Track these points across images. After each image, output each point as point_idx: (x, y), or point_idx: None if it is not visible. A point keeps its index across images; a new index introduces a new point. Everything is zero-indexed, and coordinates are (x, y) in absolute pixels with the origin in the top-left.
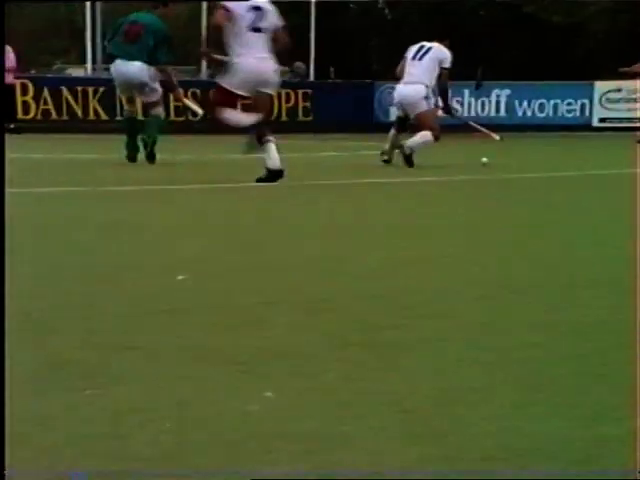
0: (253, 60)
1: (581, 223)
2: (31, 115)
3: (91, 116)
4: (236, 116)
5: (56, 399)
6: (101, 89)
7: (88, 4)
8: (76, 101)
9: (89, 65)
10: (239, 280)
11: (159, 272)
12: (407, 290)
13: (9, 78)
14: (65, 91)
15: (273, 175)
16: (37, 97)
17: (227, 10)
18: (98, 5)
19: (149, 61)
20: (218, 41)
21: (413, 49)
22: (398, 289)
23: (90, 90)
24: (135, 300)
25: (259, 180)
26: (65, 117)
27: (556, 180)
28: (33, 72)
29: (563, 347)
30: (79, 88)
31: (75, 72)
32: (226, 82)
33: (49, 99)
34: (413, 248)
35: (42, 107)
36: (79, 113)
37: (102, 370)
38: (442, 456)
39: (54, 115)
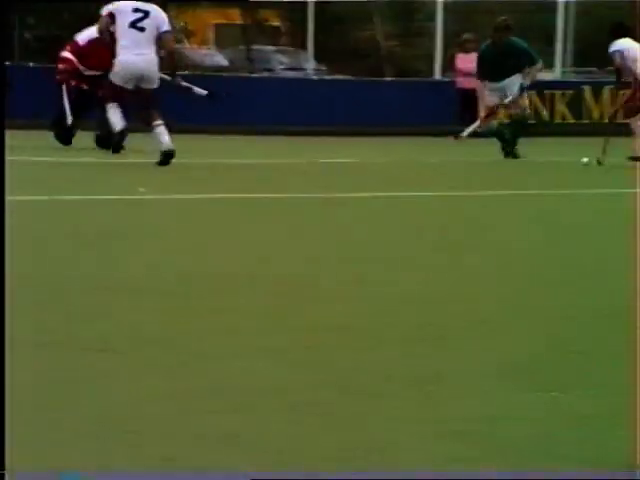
0: (132, 56)
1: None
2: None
3: (558, 119)
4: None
5: (507, 399)
6: (569, 92)
7: (561, 7)
8: (544, 105)
9: (558, 69)
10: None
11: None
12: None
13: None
14: (533, 95)
15: (166, 157)
16: None
17: (111, 14)
18: (572, 8)
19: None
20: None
21: None
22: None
23: (558, 94)
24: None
25: (159, 163)
26: (533, 121)
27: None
28: None
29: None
30: (547, 92)
31: (545, 76)
32: (112, 77)
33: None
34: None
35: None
36: (547, 116)
37: (563, 373)
38: None
39: None
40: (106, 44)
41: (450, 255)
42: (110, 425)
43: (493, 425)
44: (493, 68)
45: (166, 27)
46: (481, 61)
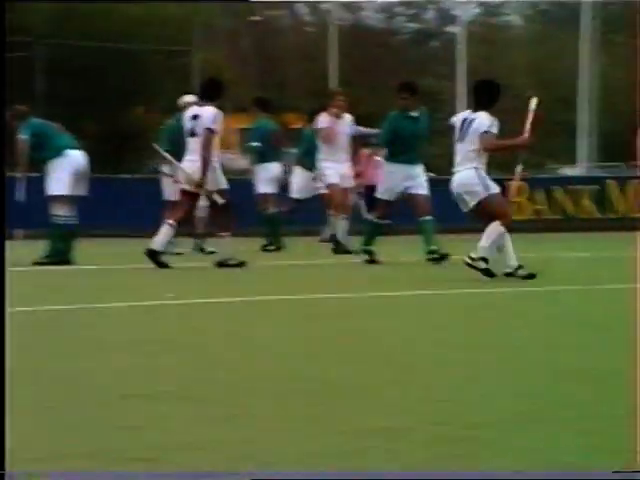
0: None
1: None
2: (525, 216)
3: (584, 214)
4: None
5: None
6: (594, 187)
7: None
8: (569, 199)
9: (583, 164)
10: None
11: None
12: None
13: None
14: (559, 190)
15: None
16: (531, 198)
17: None
18: (595, 104)
19: None
20: None
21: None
22: None
23: (583, 188)
24: None
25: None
26: (559, 216)
27: None
28: (526, 174)
29: None
30: (572, 187)
31: (568, 171)
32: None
33: (543, 199)
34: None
35: (535, 207)
36: (572, 211)
37: None
38: None
39: (547, 214)
40: None
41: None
42: None
43: None
44: None
45: None
46: None
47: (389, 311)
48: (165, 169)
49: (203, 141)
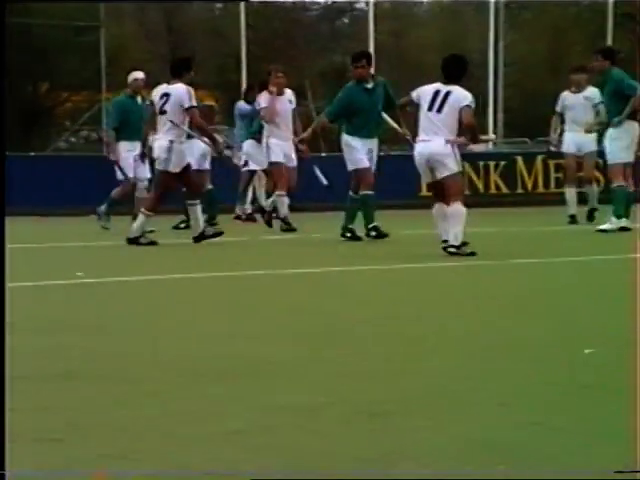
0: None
1: None
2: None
3: (492, 190)
4: None
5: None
6: (502, 163)
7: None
8: (478, 176)
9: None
10: None
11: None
12: None
13: None
14: (467, 166)
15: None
16: None
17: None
18: (501, 79)
19: None
20: None
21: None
22: None
23: (491, 164)
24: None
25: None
26: (467, 192)
27: None
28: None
29: None
30: (481, 163)
31: (477, 147)
32: None
33: None
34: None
35: None
36: (481, 187)
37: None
38: None
39: None
40: None
41: (408, 326)
42: None
43: None
44: None
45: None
46: None
47: (311, 287)
48: (112, 157)
49: (195, 121)
